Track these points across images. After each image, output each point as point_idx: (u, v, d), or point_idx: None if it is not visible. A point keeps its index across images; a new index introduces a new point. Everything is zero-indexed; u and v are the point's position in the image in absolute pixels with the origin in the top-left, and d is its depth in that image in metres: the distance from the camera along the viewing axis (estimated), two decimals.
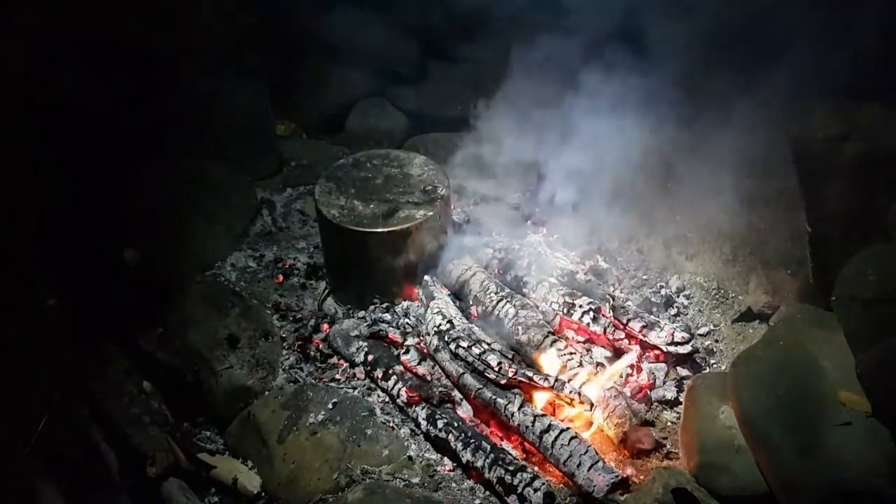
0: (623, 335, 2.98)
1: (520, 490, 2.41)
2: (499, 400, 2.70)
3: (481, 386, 2.75)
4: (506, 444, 2.69)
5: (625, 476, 2.43)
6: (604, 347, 3.01)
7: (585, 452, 2.45)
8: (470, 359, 2.79)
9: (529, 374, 2.71)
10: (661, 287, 3.32)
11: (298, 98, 4.60)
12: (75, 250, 3.04)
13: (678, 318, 3.18)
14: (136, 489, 2.55)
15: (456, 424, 2.68)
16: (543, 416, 2.61)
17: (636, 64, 3.25)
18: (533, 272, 3.29)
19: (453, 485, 2.60)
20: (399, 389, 2.83)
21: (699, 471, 2.48)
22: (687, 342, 2.87)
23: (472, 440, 2.60)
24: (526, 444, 2.67)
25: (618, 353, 2.97)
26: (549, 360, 2.84)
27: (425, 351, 2.99)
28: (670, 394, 2.84)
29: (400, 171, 3.31)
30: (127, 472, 2.53)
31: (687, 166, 3.19)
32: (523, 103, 3.58)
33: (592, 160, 3.32)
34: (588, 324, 3.00)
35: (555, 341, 2.88)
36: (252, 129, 4.20)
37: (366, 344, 3.04)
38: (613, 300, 3.07)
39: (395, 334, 3.09)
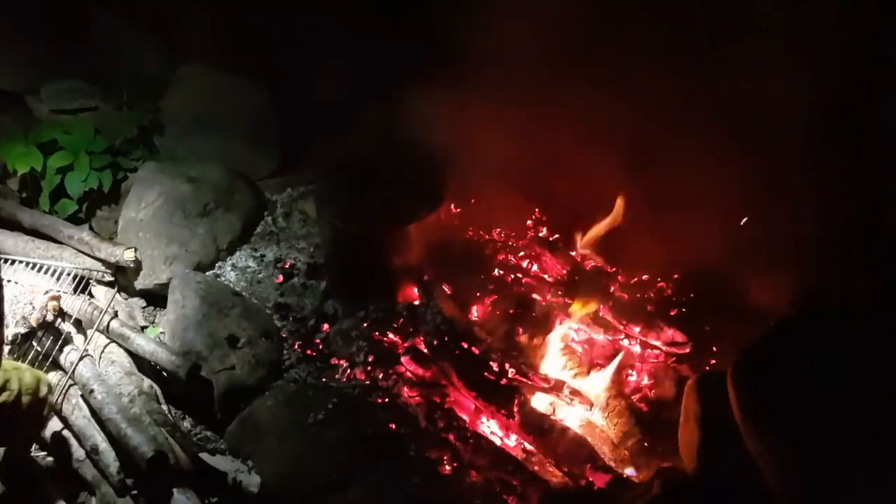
0: (623, 335, 2.99)
1: (520, 490, 2.41)
2: (499, 400, 2.70)
3: (481, 386, 2.75)
4: (506, 444, 2.69)
5: (624, 476, 2.43)
6: (604, 347, 3.01)
7: (585, 452, 2.45)
8: (470, 359, 2.80)
9: (529, 374, 2.71)
10: (661, 287, 3.32)
11: (298, 97, 4.60)
12: None
13: (678, 318, 3.17)
14: (136, 489, 2.56)
15: (456, 424, 2.68)
16: (543, 415, 2.62)
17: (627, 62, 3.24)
18: (532, 272, 3.29)
19: (453, 485, 2.60)
20: (399, 389, 2.83)
21: (699, 471, 2.48)
22: (687, 342, 2.87)
23: (472, 440, 2.61)
24: (526, 444, 2.68)
25: (618, 354, 2.98)
26: (549, 360, 2.84)
27: (425, 351, 2.99)
28: (670, 394, 2.84)
29: (399, 170, 3.31)
30: (127, 472, 2.54)
31: (686, 166, 3.18)
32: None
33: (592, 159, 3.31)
34: (588, 324, 3.00)
35: (554, 341, 2.89)
36: (252, 129, 4.21)
37: (366, 344, 3.04)
38: (613, 300, 3.07)
39: (395, 334, 3.09)
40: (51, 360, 2.84)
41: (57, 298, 2.91)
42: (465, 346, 2.82)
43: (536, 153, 3.42)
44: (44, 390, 2.48)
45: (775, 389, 2.23)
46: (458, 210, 3.64)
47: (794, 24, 2.73)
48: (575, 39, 3.21)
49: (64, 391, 2.75)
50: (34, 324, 2.81)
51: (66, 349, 2.88)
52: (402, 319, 3.15)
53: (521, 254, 3.42)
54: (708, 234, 3.03)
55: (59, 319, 2.94)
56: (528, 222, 3.73)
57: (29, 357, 2.84)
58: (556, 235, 3.60)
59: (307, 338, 3.19)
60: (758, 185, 2.95)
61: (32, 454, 2.70)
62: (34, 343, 2.87)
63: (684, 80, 3.03)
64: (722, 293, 3.21)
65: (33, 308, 2.84)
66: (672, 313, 3.19)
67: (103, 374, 2.79)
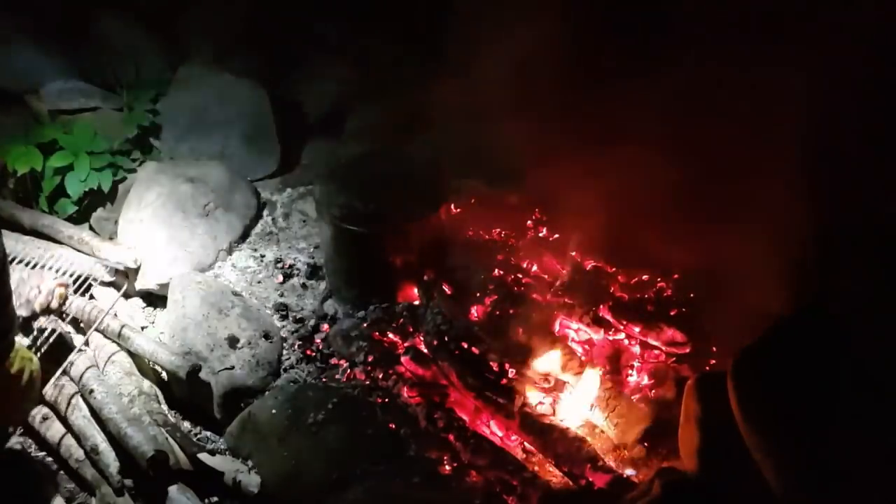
0: (623, 335, 2.99)
1: (520, 490, 2.41)
2: (499, 400, 2.70)
3: (481, 386, 2.75)
4: (506, 444, 2.69)
5: (624, 476, 2.43)
6: (604, 347, 3.01)
7: (585, 452, 2.45)
8: (470, 359, 2.80)
9: (529, 374, 2.71)
10: (661, 287, 3.32)
11: (298, 97, 4.61)
12: None
13: (678, 318, 3.17)
14: (136, 489, 2.56)
15: (456, 424, 2.68)
16: (543, 415, 2.62)
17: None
18: (532, 272, 3.29)
19: (453, 485, 2.60)
20: (399, 389, 2.83)
21: (699, 471, 2.48)
22: (687, 342, 2.87)
23: (472, 440, 2.61)
24: (526, 444, 2.68)
25: (618, 353, 2.98)
26: (549, 360, 2.84)
27: (425, 351, 2.99)
28: (670, 394, 2.84)
29: (400, 170, 3.32)
30: (127, 472, 2.54)
31: (685, 166, 3.18)
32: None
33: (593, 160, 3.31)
34: (588, 324, 3.00)
35: (555, 341, 2.89)
36: (252, 129, 4.21)
37: (366, 344, 3.04)
38: (613, 300, 3.07)
39: (395, 334, 3.09)
40: (51, 360, 2.84)
41: (65, 286, 2.85)
42: (465, 346, 2.82)
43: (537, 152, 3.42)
44: (38, 382, 2.48)
45: (775, 389, 2.23)
46: (459, 210, 3.64)
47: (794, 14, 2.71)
48: (576, 40, 3.22)
49: (64, 391, 2.75)
50: (37, 308, 2.74)
51: (67, 349, 2.88)
52: (402, 319, 3.16)
53: (522, 254, 3.42)
54: (708, 233, 3.03)
55: (63, 309, 2.88)
56: (528, 222, 3.74)
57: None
58: (556, 235, 3.60)
59: (307, 338, 3.19)
60: (757, 184, 2.95)
61: (32, 454, 2.70)
62: (33, 333, 2.83)
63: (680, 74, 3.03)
64: (722, 293, 3.20)
65: (40, 291, 2.78)
66: (672, 313, 3.19)
67: (103, 374, 2.79)
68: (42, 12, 4.17)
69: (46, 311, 2.77)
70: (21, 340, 2.65)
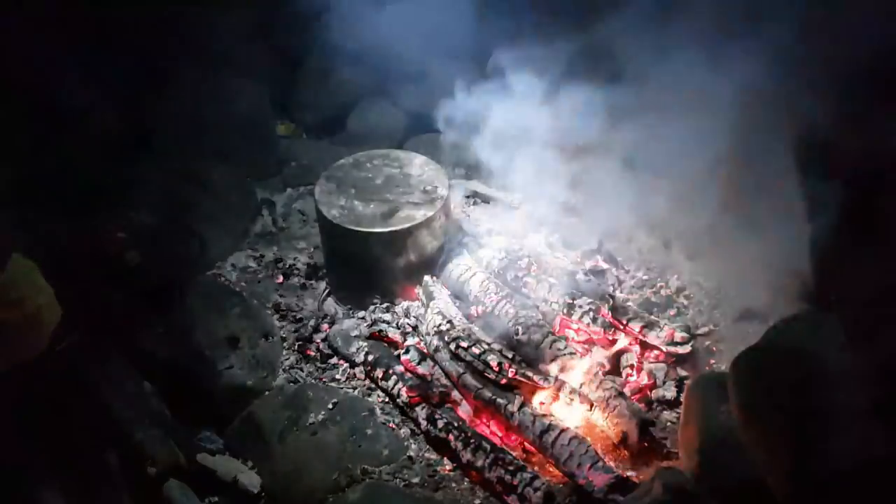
0: (623, 335, 2.98)
1: (520, 490, 2.41)
2: (499, 400, 2.70)
3: (481, 386, 2.75)
4: (506, 444, 2.69)
5: (624, 476, 2.43)
6: (604, 348, 3.01)
7: (585, 452, 2.45)
8: (470, 359, 2.80)
9: (529, 374, 2.71)
10: (661, 287, 3.32)
11: (299, 98, 4.61)
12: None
13: (678, 318, 3.18)
14: (136, 489, 2.56)
15: (456, 424, 2.68)
16: (543, 415, 2.62)
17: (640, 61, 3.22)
18: (533, 272, 3.29)
19: (453, 485, 2.61)
20: (399, 389, 2.84)
21: (699, 471, 2.48)
22: (687, 342, 2.88)
23: (472, 440, 2.61)
24: (526, 444, 2.68)
25: (617, 354, 2.98)
26: (549, 361, 2.84)
27: (425, 351, 2.99)
28: (670, 394, 2.84)
29: (400, 171, 3.32)
30: (127, 472, 2.54)
31: (685, 167, 3.18)
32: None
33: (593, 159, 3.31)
34: (588, 324, 3.00)
35: (555, 341, 2.89)
36: (252, 129, 4.21)
37: (366, 344, 3.05)
38: (613, 300, 3.07)
39: (395, 334, 3.09)
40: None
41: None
42: (465, 346, 2.82)
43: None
44: (47, 325, 2.19)
45: (776, 389, 2.23)
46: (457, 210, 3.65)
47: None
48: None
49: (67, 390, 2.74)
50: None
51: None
52: (401, 319, 3.16)
53: (522, 254, 3.41)
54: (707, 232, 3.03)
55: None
56: (528, 222, 3.73)
57: None
58: (556, 235, 3.60)
59: (307, 338, 3.19)
60: (757, 183, 2.95)
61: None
62: None
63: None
64: (723, 293, 3.21)
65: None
66: (672, 313, 3.20)
67: (105, 374, 2.79)
68: (42, 12, 4.16)
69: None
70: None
